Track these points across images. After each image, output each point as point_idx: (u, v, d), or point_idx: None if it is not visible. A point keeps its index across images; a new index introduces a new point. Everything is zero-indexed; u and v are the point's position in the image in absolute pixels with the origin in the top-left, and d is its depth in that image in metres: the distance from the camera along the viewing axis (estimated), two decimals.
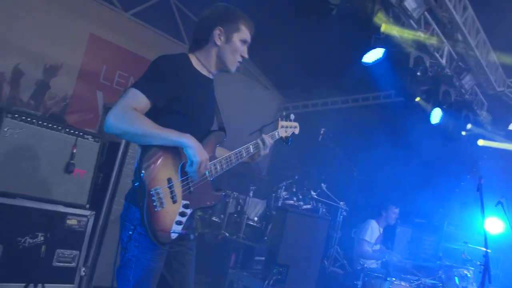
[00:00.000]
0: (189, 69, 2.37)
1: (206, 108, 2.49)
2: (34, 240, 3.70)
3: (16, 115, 3.64)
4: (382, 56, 5.34)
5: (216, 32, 2.41)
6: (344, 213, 6.99)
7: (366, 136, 7.49)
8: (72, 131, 4.00)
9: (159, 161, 2.17)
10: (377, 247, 6.41)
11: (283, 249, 4.66)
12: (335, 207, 6.98)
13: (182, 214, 2.25)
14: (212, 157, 2.43)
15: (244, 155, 2.61)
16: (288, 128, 2.92)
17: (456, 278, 5.46)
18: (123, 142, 4.22)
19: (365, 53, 5.41)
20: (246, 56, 2.53)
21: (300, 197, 6.61)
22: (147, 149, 2.15)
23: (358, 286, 5.10)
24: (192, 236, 2.43)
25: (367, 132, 7.92)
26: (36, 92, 6.72)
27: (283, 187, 6.42)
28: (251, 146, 2.66)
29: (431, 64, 5.56)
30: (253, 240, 6.09)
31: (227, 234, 5.80)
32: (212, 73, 2.52)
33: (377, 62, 5.36)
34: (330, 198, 6.95)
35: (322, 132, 6.88)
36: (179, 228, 2.23)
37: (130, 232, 2.21)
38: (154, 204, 2.11)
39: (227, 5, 2.49)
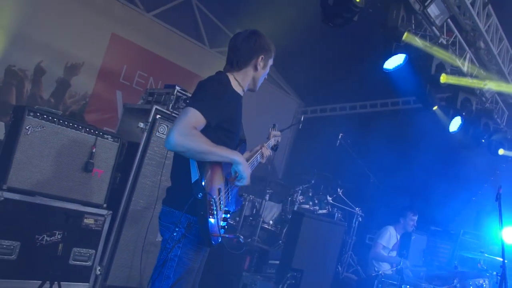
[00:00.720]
0: (232, 90, 2.63)
1: (241, 123, 2.78)
2: (52, 238, 3.76)
3: (38, 114, 3.69)
4: (403, 62, 5.28)
5: (259, 59, 2.71)
6: (360, 219, 6.97)
7: (384, 142, 7.42)
8: (92, 131, 4.05)
9: (213, 174, 2.42)
10: (394, 253, 6.36)
11: (298, 253, 4.65)
12: (351, 212, 6.95)
13: (224, 220, 2.52)
14: None
15: (255, 165, 2.93)
16: (276, 137, 3.25)
17: (471, 287, 5.40)
18: (142, 143, 4.25)
19: (385, 59, 5.36)
20: (266, 77, 2.87)
21: (316, 201, 6.60)
22: (204, 163, 2.36)
23: None
24: (242, 239, 2.80)
25: (385, 138, 7.85)
26: (57, 90, 6.83)
27: (299, 191, 6.41)
28: (258, 156, 2.98)
29: (452, 71, 5.49)
30: (268, 244, 6.09)
31: (242, 237, 5.80)
32: (244, 91, 2.79)
33: (398, 68, 5.30)
34: (346, 204, 6.93)
35: (340, 137, 6.86)
36: (223, 232, 2.48)
37: (175, 234, 2.42)
38: (214, 212, 2.36)
39: (265, 36, 2.80)
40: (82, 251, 3.94)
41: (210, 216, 2.33)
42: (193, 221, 2.40)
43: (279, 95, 10.20)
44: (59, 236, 3.80)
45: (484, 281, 5.50)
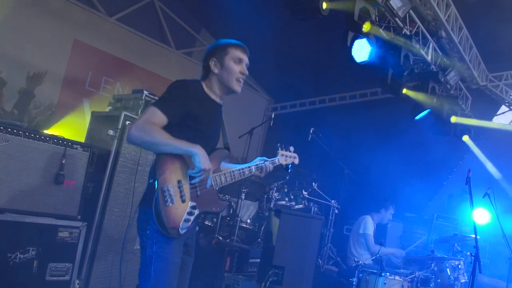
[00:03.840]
0: (201, 93, 2.78)
1: (213, 127, 2.86)
2: (25, 255, 3.63)
3: (1, 127, 3.56)
4: (371, 46, 5.31)
5: (212, 63, 2.81)
6: (336, 211, 7.04)
7: (355, 133, 7.55)
8: (60, 141, 3.94)
9: (171, 166, 2.54)
10: None
11: (278, 250, 4.66)
12: (327, 205, 7.01)
13: (189, 214, 2.56)
14: (217, 170, 2.81)
15: (247, 173, 2.97)
16: (287, 157, 3.30)
17: (448, 269, 5.54)
18: (113, 150, 4.18)
19: (351, 52, 5.42)
20: (245, 72, 2.86)
21: (292, 197, 6.62)
22: (162, 155, 2.53)
23: (354, 283, 5.12)
24: (197, 228, 2.81)
25: (356, 130, 7.98)
26: (20, 101, 6.63)
27: (275, 188, 6.43)
28: (253, 168, 3.02)
29: (417, 61, 5.62)
30: (247, 243, 6.09)
31: (221, 238, 5.79)
32: (220, 98, 2.89)
33: (370, 59, 5.34)
34: (321, 197, 6.98)
35: (311, 131, 6.90)
36: (187, 225, 2.54)
37: (148, 231, 2.51)
38: (165, 199, 2.45)
39: (220, 40, 2.90)
40: (58, 266, 3.83)
41: (163, 204, 2.43)
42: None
43: (248, 93, 10.21)
44: (33, 253, 3.68)
45: (460, 262, 5.65)
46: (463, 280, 5.51)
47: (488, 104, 9.30)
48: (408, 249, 6.79)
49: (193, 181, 2.60)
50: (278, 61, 8.36)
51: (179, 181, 2.54)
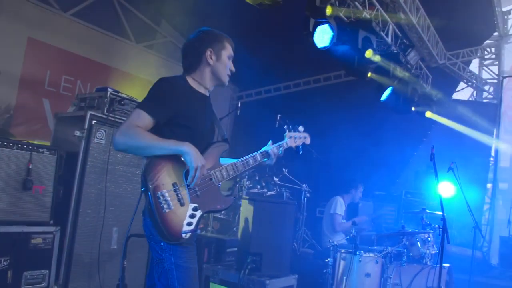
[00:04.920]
0: (187, 88, 2.64)
1: (205, 121, 2.71)
2: None
3: None
4: (333, 32, 5.36)
5: (208, 53, 2.68)
6: (308, 195, 7.15)
7: (321, 117, 7.63)
8: (25, 146, 3.83)
9: (163, 168, 2.42)
10: (343, 221, 6.61)
11: (254, 238, 4.71)
12: (298, 190, 7.11)
13: (192, 216, 2.46)
14: (216, 165, 2.67)
15: (251, 163, 2.84)
16: (297, 138, 3.16)
17: (418, 242, 5.71)
18: (81, 151, 4.09)
19: (313, 37, 5.46)
20: (233, 69, 2.81)
21: (263, 184, 6.68)
22: (152, 159, 2.41)
23: (330, 263, 5.23)
24: (198, 231, 2.62)
25: (322, 114, 8.06)
26: None
27: (246, 176, 6.46)
28: (258, 155, 2.89)
29: (378, 43, 5.72)
30: (223, 233, 6.12)
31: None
32: (209, 90, 2.77)
33: (331, 45, 5.38)
34: (292, 182, 7.07)
35: (278, 118, 6.92)
36: (190, 228, 2.43)
37: (162, 243, 2.40)
38: (161, 205, 2.35)
39: (211, 29, 2.79)
40: (34, 274, 3.75)
41: (160, 211, 2.34)
42: None
43: None
44: (5, 263, 3.58)
45: (429, 235, 5.83)
46: (433, 252, 5.70)
47: (447, 82, 9.62)
48: (371, 218, 6.98)
49: (190, 181, 2.45)
50: (240, 49, 8.32)
51: (174, 184, 2.43)
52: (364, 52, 5.25)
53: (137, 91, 7.46)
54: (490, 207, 11.05)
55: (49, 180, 3.98)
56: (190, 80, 2.70)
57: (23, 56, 6.79)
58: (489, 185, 11.16)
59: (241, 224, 4.95)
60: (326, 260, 5.28)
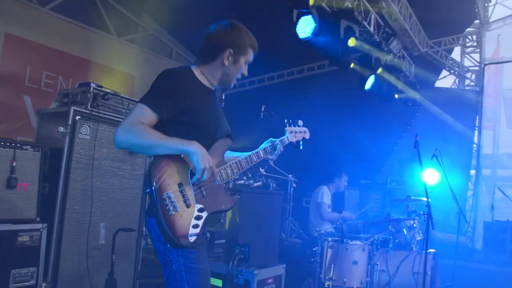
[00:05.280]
0: (192, 81, 2.47)
1: (210, 116, 2.57)
2: None
3: None
4: (316, 23, 5.38)
5: (226, 53, 2.50)
6: (294, 185, 7.19)
7: (305, 107, 7.64)
8: (8, 144, 3.77)
9: (168, 168, 2.29)
10: (329, 211, 6.67)
11: (242, 229, 4.74)
12: (285, 180, 7.15)
13: (197, 218, 2.35)
14: (221, 163, 2.57)
15: (255, 160, 2.77)
16: (297, 133, 3.12)
17: (404, 229, 5.80)
18: (66, 147, 4.05)
19: (296, 26, 5.47)
20: (245, 74, 2.65)
21: (250, 175, 6.70)
22: (157, 158, 2.28)
23: (317, 252, 5.30)
24: (208, 234, 2.61)
25: (306, 104, 8.08)
26: None
27: None
28: (261, 152, 2.83)
29: (361, 32, 5.75)
30: (210, 225, 6.12)
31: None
32: (214, 85, 2.61)
33: (314, 34, 5.40)
34: (278, 173, 7.10)
35: (262, 109, 6.94)
36: (196, 231, 2.33)
37: (168, 245, 2.30)
38: (167, 208, 2.22)
39: (242, 29, 2.58)
40: (22, 272, 3.72)
41: (166, 213, 2.22)
42: None
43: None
44: None
45: (414, 221, 5.92)
46: (418, 238, 5.79)
47: (430, 70, 9.71)
48: (357, 214, 7.05)
49: (195, 182, 2.34)
50: None
51: (180, 185, 2.30)
52: (346, 42, 5.28)
53: (120, 85, 7.44)
54: (474, 193, 11.23)
55: (34, 177, 3.93)
56: (197, 72, 2.53)
57: (0, 52, 6.66)
58: (472, 172, 11.34)
59: (229, 215, 4.97)
60: (314, 249, 5.34)
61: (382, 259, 5.40)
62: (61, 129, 4.07)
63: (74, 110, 4.14)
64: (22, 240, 3.74)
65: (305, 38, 5.36)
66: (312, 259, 5.31)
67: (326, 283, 5.16)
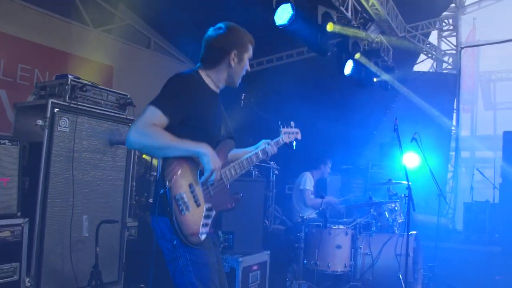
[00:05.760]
0: (201, 86, 2.59)
1: (215, 120, 2.71)
2: None
3: None
4: (293, 11, 5.39)
5: (231, 56, 2.63)
6: (276, 172, 7.21)
7: (286, 95, 7.67)
8: None
9: (180, 170, 2.37)
10: (312, 197, 6.72)
11: (226, 217, 4.75)
12: (267, 167, 7.17)
13: (207, 217, 2.46)
14: (226, 164, 2.68)
15: (255, 160, 2.93)
16: (290, 134, 3.28)
17: (386, 212, 5.89)
18: (45, 141, 4.00)
19: (273, 13, 5.47)
20: (249, 69, 2.79)
21: None
22: (168, 160, 2.35)
23: (301, 238, 5.34)
24: (220, 232, 2.88)
25: (286, 91, 8.10)
26: None
27: None
28: (260, 153, 2.99)
29: (338, 18, 5.76)
30: None
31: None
32: (220, 88, 2.74)
33: (290, 22, 5.41)
34: (260, 160, 7.10)
35: (242, 97, 6.93)
36: (206, 230, 2.44)
37: (175, 242, 2.37)
38: (181, 208, 2.31)
39: (239, 29, 2.71)
40: (4, 267, 3.67)
41: (179, 213, 2.30)
42: None
43: (173, 65, 10.00)
44: None
45: (396, 204, 6.02)
46: (400, 220, 5.88)
47: (408, 54, 9.80)
48: (340, 200, 7.11)
49: (204, 182, 2.45)
50: (202, 29, 8.23)
51: (190, 185, 2.40)
52: (324, 28, 5.30)
53: (99, 77, 7.34)
54: (454, 175, 11.44)
55: (13, 172, 3.88)
56: (203, 75, 2.64)
57: None
58: (452, 154, 11.53)
59: None
60: (298, 235, 5.38)
61: (365, 242, 5.49)
62: (40, 122, 4.01)
63: (52, 102, 4.08)
64: (3, 235, 3.70)
65: (281, 25, 5.39)
66: (296, 245, 5.36)
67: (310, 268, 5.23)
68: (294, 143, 3.33)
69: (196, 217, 2.39)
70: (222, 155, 2.65)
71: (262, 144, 3.06)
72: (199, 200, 2.43)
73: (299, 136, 3.35)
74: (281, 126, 3.24)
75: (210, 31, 2.70)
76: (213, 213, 2.51)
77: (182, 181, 2.36)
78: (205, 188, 2.49)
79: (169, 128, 2.37)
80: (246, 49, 2.71)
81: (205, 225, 2.43)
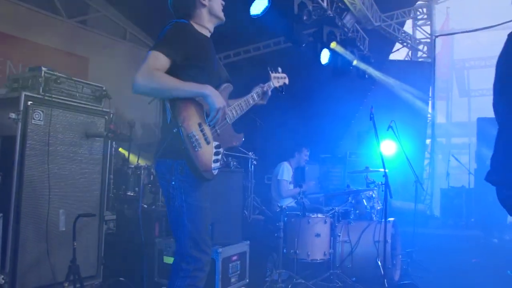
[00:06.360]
0: (195, 32, 2.74)
1: (214, 62, 2.84)
2: None
3: None
4: (268, 4, 5.42)
5: None
6: (255, 162, 7.23)
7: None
8: None
9: (188, 110, 2.51)
10: (291, 186, 6.76)
11: None
12: (245, 158, 7.18)
13: (216, 153, 2.64)
14: (227, 105, 2.79)
15: (251, 102, 3.07)
16: (279, 78, 3.41)
17: (363, 200, 5.97)
18: (19, 134, 3.92)
19: (249, 4, 5.47)
20: (223, 2, 2.93)
21: None
22: (176, 102, 2.48)
23: (281, 227, 5.37)
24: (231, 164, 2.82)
25: (263, 81, 8.08)
26: None
27: None
28: (255, 95, 3.11)
29: (314, 8, 5.77)
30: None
31: (146, 206, 5.76)
32: (210, 32, 2.89)
33: (265, 11, 5.43)
34: (238, 151, 7.12)
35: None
36: (217, 165, 2.64)
37: (173, 183, 2.53)
38: (194, 145, 2.45)
39: None
40: None
41: (193, 150, 2.44)
42: (183, 164, 2.50)
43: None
44: None
45: (373, 192, 6.10)
46: (378, 208, 5.97)
47: (384, 43, 9.88)
48: (318, 186, 7.16)
49: (211, 121, 2.60)
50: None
51: (199, 124, 2.54)
52: (300, 18, 5.31)
53: (74, 68, 7.22)
54: (430, 162, 11.66)
55: None
56: (194, 25, 2.77)
57: None
58: (428, 141, 11.73)
59: None
60: (277, 224, 5.40)
61: (344, 230, 5.54)
62: (13, 115, 3.93)
63: (26, 95, 4.00)
64: None
65: (254, 16, 5.41)
66: (276, 235, 5.39)
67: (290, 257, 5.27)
68: (283, 89, 3.46)
69: (207, 154, 2.54)
70: (223, 97, 2.76)
71: (256, 87, 3.18)
72: (209, 138, 2.58)
73: (287, 81, 3.47)
74: (270, 71, 3.35)
75: None
76: (222, 150, 2.69)
77: (191, 121, 2.50)
78: (212, 127, 2.65)
79: (174, 72, 2.50)
80: None
81: (215, 160, 2.60)
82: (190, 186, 2.55)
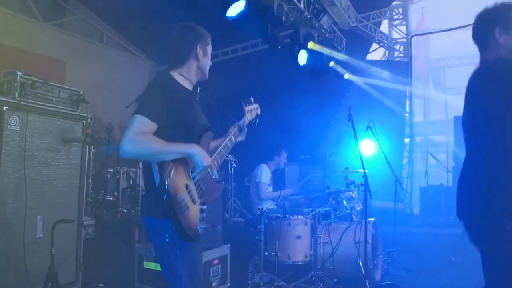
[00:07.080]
0: (176, 87, 2.72)
1: (195, 116, 2.81)
2: None
3: None
4: (245, 8, 5.45)
5: (197, 49, 2.79)
6: (234, 165, 7.23)
7: (241, 87, 7.65)
8: None
9: (175, 173, 2.47)
10: (270, 189, 6.77)
11: None
12: (224, 161, 7.14)
13: (202, 211, 2.62)
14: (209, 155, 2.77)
15: (229, 146, 3.07)
16: (252, 110, 3.37)
17: (344, 201, 5.99)
18: None
19: (227, 7, 5.48)
20: (211, 63, 2.94)
21: None
22: (163, 164, 2.44)
23: (262, 230, 5.36)
24: (220, 228, 2.95)
25: (242, 83, 8.08)
26: None
27: None
28: (232, 137, 3.11)
29: (291, 9, 5.80)
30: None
31: (125, 210, 5.72)
32: (193, 84, 2.87)
33: (241, 14, 5.46)
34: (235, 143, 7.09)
35: (198, 91, 6.89)
36: (203, 223, 2.60)
37: (168, 240, 2.47)
38: (182, 209, 2.43)
39: (195, 25, 2.88)
40: None
41: (181, 214, 2.41)
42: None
43: (129, 60, 9.83)
44: None
45: (353, 192, 6.13)
46: (358, 208, 5.99)
47: (361, 43, 9.99)
48: (298, 186, 7.18)
49: (196, 179, 2.60)
50: (155, 22, 8.11)
51: (186, 186, 2.53)
52: (277, 20, 5.33)
53: (50, 73, 7.12)
54: (409, 161, 11.79)
55: None
56: (176, 75, 2.76)
57: None
58: (406, 140, 11.86)
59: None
60: (258, 227, 5.40)
61: (324, 231, 5.56)
62: None
63: (1, 100, 3.94)
64: None
65: (230, 18, 5.45)
66: (256, 237, 5.38)
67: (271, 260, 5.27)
68: (257, 120, 3.41)
69: (194, 214, 2.54)
70: (206, 148, 2.78)
71: (231, 128, 3.17)
72: (195, 197, 2.57)
73: (259, 111, 3.44)
74: (244, 105, 3.33)
75: (171, 33, 2.84)
76: (205, 207, 2.66)
77: (180, 184, 2.48)
78: (198, 185, 2.64)
79: (158, 133, 2.48)
80: (207, 42, 2.88)
81: (201, 219, 2.59)
82: (184, 242, 2.52)
